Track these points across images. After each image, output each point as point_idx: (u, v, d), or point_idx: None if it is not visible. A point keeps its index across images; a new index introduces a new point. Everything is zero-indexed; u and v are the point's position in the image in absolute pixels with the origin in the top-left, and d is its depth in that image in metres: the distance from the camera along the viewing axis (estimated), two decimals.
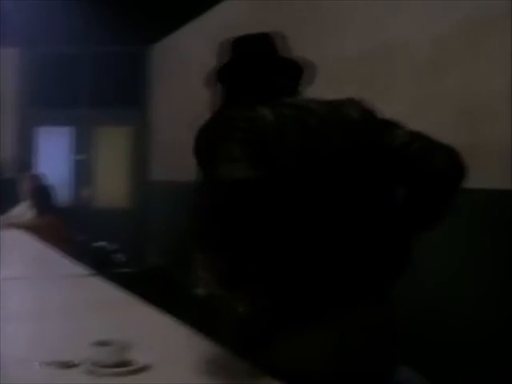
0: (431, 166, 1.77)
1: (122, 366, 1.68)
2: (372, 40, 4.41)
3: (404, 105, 3.94)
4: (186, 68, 7.29)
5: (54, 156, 8.67)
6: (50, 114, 8.46)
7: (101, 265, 3.99)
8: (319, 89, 1.97)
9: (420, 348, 3.52)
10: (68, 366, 1.73)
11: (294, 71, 1.93)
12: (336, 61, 4.60)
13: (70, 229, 5.99)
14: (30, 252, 4.67)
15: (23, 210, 6.58)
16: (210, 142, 1.67)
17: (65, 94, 8.53)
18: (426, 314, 3.69)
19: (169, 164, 7.81)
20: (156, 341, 1.97)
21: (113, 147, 8.77)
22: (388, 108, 1.94)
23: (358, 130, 1.81)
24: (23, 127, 8.44)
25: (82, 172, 8.68)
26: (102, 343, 1.74)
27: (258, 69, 1.91)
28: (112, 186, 8.69)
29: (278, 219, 1.61)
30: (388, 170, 1.81)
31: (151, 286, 2.72)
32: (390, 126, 1.86)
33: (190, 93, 7.09)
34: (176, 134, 7.53)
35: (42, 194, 6.13)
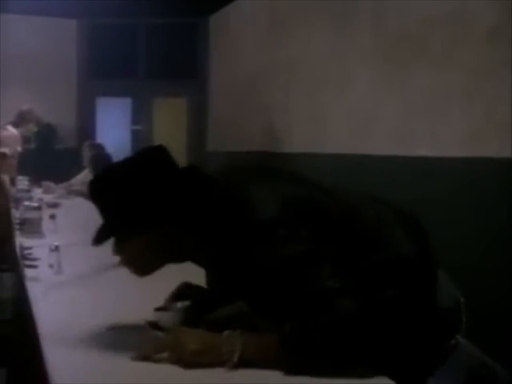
0: None
1: None
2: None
3: None
4: (242, 39, 7.23)
5: (113, 126, 8.76)
6: (110, 86, 8.53)
7: None
8: None
9: None
10: (133, 329, 1.75)
11: None
12: None
13: None
14: (91, 219, 4.73)
15: (85, 178, 6.68)
16: None
17: (124, 66, 8.57)
18: None
19: (224, 135, 7.80)
20: None
21: (170, 118, 8.81)
22: None
23: None
24: (84, 98, 8.53)
25: (140, 142, 8.75)
26: (163, 308, 1.76)
27: None
28: None
29: None
30: None
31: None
32: None
33: (247, 63, 7.04)
34: (232, 105, 7.50)
35: (100, 163, 6.20)
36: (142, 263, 1.68)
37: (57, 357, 1.56)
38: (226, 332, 1.47)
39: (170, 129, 8.78)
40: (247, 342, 1.44)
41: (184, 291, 1.88)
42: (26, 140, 7.86)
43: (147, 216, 1.59)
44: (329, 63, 5.34)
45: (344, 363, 1.41)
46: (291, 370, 1.40)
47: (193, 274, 1.89)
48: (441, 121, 3.90)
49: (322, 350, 1.39)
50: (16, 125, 6.58)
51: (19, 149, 5.56)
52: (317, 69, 5.53)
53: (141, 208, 1.58)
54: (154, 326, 1.73)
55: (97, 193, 1.66)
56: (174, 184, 1.61)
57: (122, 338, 1.71)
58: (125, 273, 1.80)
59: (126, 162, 1.66)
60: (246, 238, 1.49)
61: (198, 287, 1.90)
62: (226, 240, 1.54)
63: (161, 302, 1.87)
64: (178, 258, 1.70)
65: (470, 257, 3.55)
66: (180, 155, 8.49)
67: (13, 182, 4.89)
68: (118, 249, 1.67)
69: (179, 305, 1.80)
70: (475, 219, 3.62)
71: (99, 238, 1.65)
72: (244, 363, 1.43)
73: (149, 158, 1.64)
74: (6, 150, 4.91)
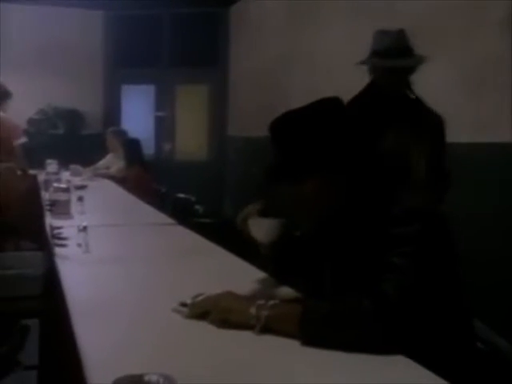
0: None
1: None
2: None
3: None
4: (262, 27, 7.20)
5: (137, 112, 8.78)
6: (134, 73, 8.54)
7: (181, 215, 4.02)
8: None
9: None
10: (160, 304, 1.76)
11: None
12: None
13: (154, 180, 6.08)
14: (117, 201, 4.76)
15: (110, 162, 6.72)
16: None
17: (148, 55, 8.58)
18: None
19: (244, 121, 7.79)
20: (236, 284, 1.96)
21: (192, 104, 8.81)
22: None
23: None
24: (110, 86, 8.55)
25: (163, 127, 8.76)
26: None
27: None
28: (191, 141, 8.75)
29: None
30: None
31: (227, 237, 2.71)
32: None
33: (266, 52, 7.02)
34: (252, 92, 7.49)
35: (130, 147, 6.23)
36: (308, 206, 1.69)
37: (86, 330, 1.58)
38: (258, 300, 1.56)
39: (192, 115, 8.78)
40: (275, 311, 1.52)
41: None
42: (54, 126, 7.93)
43: (322, 160, 1.63)
44: (346, 50, 5.30)
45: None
46: (310, 342, 1.46)
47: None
48: (453, 108, 3.88)
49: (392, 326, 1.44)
50: None
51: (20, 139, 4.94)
52: (335, 56, 5.50)
53: (317, 151, 1.62)
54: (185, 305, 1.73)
55: (278, 133, 1.70)
56: (347, 132, 1.65)
57: (149, 313, 1.72)
58: (149, 252, 1.84)
59: (306, 108, 1.69)
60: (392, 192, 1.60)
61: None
62: (372, 190, 1.63)
63: (185, 282, 1.88)
64: (331, 206, 1.71)
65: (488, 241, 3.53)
66: (202, 140, 8.51)
67: (24, 170, 4.70)
68: (288, 190, 1.70)
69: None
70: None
71: (273, 177, 1.71)
72: (270, 331, 1.51)
73: (327, 106, 1.68)
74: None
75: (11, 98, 4.39)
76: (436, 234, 1.56)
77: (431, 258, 1.53)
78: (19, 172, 4.43)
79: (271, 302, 1.55)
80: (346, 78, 5.32)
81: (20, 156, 4.51)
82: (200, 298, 1.68)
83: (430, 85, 4.13)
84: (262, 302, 1.55)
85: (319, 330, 1.47)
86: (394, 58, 2.93)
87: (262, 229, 1.80)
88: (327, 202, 1.68)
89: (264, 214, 1.90)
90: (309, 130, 1.65)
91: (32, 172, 6.38)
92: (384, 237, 1.54)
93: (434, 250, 1.54)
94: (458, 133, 3.87)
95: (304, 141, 1.64)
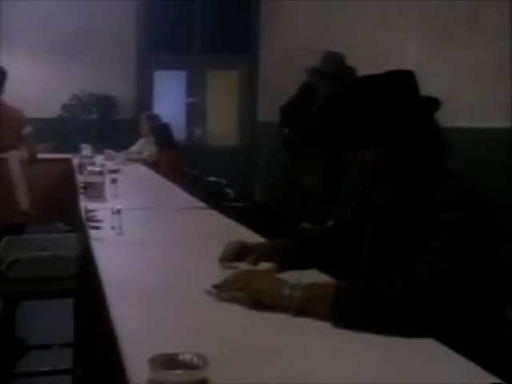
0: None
1: None
2: None
3: None
4: (293, 14, 7.15)
5: (168, 98, 8.79)
6: (166, 59, 8.55)
7: (212, 198, 4.03)
8: None
9: None
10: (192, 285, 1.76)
11: None
12: None
13: (186, 164, 6.10)
14: (149, 184, 4.78)
15: (142, 147, 6.76)
16: None
17: (179, 41, 8.58)
18: None
19: (274, 106, 7.76)
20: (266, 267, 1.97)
21: (223, 90, 8.79)
22: None
23: None
24: (142, 72, 8.57)
25: (195, 113, 8.77)
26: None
27: None
28: (222, 126, 8.75)
29: None
30: None
31: (257, 220, 2.71)
32: None
33: (297, 39, 6.97)
34: (282, 78, 7.45)
35: (163, 132, 6.26)
36: (367, 172, 1.71)
37: (121, 310, 1.59)
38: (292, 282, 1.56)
39: (222, 100, 8.77)
40: (308, 292, 1.52)
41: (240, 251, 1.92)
42: (88, 111, 7.98)
43: (388, 128, 1.63)
44: (377, 36, 5.24)
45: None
46: (343, 323, 1.45)
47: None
48: (488, 92, 3.81)
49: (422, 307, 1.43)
50: None
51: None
52: (365, 41, 5.44)
53: (386, 119, 1.63)
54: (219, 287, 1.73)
55: (350, 97, 1.70)
56: (414, 105, 1.66)
57: (182, 294, 1.73)
58: (181, 235, 1.83)
59: (380, 76, 1.69)
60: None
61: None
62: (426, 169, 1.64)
63: (216, 264, 1.89)
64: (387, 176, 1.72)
65: None
66: (232, 125, 8.50)
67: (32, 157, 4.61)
68: (351, 158, 1.71)
69: (242, 266, 1.81)
70: None
71: (336, 142, 1.74)
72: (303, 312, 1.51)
73: (400, 77, 1.69)
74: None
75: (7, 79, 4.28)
76: (479, 222, 1.54)
77: (472, 246, 1.51)
78: (28, 158, 4.45)
79: (304, 283, 1.55)
80: (375, 64, 5.27)
81: (30, 143, 4.50)
82: (234, 272, 1.68)
83: (463, 68, 4.06)
84: (295, 282, 1.55)
85: (351, 311, 1.46)
86: (333, 81, 3.21)
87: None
88: (385, 172, 1.69)
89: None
90: (381, 97, 1.65)
91: (66, 156, 6.46)
92: (426, 221, 1.53)
93: (475, 238, 1.53)
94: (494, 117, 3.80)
95: (375, 107, 1.64)
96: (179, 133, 7.54)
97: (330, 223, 2.07)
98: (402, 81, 1.68)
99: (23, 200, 4.46)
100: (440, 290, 1.44)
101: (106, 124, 7.83)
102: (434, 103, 1.70)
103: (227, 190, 5.56)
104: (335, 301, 1.47)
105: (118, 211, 2.55)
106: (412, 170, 1.66)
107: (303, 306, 1.51)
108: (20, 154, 4.51)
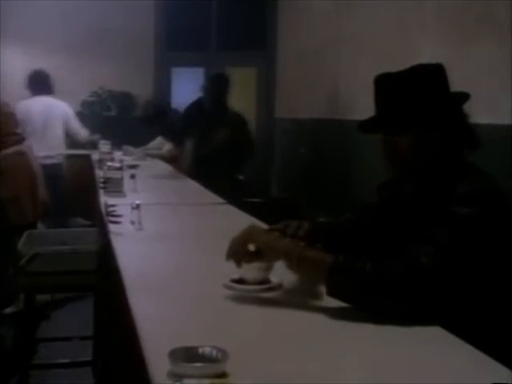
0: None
1: (265, 283, 1.70)
2: None
3: None
4: (309, 12, 7.12)
5: (186, 94, 8.80)
6: (184, 56, 8.56)
7: (231, 194, 4.03)
8: None
9: None
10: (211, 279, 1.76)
11: None
12: None
13: None
14: (167, 180, 4.79)
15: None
16: None
17: (197, 38, 8.59)
18: None
19: (292, 103, 7.75)
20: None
21: (240, 86, 8.78)
22: None
23: None
24: (160, 69, 8.59)
25: None
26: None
27: None
28: None
29: None
30: None
31: (275, 216, 2.70)
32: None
33: (314, 35, 6.95)
34: (299, 75, 7.44)
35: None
36: (399, 158, 1.75)
37: (141, 304, 1.59)
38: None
39: (239, 96, 8.75)
40: (305, 253, 1.57)
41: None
42: (107, 108, 8.01)
43: (422, 115, 1.69)
44: (393, 35, 5.21)
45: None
46: (334, 293, 1.50)
47: None
48: (506, 89, 3.77)
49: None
50: None
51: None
52: (381, 40, 5.41)
53: (419, 106, 1.69)
54: (237, 282, 1.72)
55: (387, 86, 1.76)
56: (447, 93, 1.74)
57: (201, 289, 1.73)
58: (200, 230, 1.83)
59: (413, 69, 1.75)
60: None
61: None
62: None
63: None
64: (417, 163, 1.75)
65: None
66: (249, 121, 8.50)
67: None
68: (386, 143, 1.76)
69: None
70: None
71: (370, 126, 1.80)
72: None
73: (432, 69, 1.76)
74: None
75: None
76: (496, 219, 1.54)
77: (484, 243, 1.51)
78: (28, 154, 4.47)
79: (302, 249, 1.62)
80: (391, 61, 5.24)
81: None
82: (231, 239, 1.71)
83: (479, 67, 4.03)
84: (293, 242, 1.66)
85: (345, 283, 1.49)
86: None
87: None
88: (419, 157, 1.72)
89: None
90: (416, 86, 1.71)
91: (86, 152, 6.50)
92: (444, 212, 1.53)
93: (488, 235, 1.52)
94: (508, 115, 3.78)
95: (410, 95, 1.70)
96: None
97: (346, 216, 2.07)
98: (436, 71, 1.75)
99: (42, 190, 4.50)
100: (436, 284, 1.45)
101: (124, 120, 7.86)
102: (462, 95, 1.75)
103: (246, 185, 5.56)
104: (330, 271, 1.49)
105: (138, 206, 2.55)
106: (442, 157, 1.70)
107: (300, 266, 1.56)
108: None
